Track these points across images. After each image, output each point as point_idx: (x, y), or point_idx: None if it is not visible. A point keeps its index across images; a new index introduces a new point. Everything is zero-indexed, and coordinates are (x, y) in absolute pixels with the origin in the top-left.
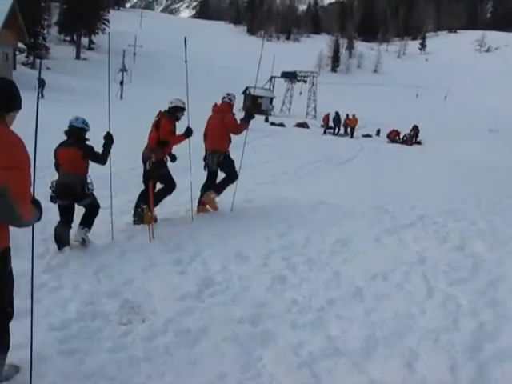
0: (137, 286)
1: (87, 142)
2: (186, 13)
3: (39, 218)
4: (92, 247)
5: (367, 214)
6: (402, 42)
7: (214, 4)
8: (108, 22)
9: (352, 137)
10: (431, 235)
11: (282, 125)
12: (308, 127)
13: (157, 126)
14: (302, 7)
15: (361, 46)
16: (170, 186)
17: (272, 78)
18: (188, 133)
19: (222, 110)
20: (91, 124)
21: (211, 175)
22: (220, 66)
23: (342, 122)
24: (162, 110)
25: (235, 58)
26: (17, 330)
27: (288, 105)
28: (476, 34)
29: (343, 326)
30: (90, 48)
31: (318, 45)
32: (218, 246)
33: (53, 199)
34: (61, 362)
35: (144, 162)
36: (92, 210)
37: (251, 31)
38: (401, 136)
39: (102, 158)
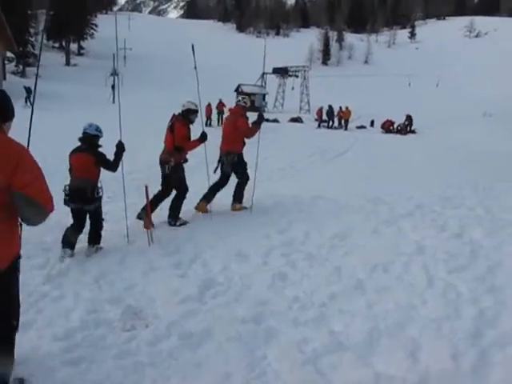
0: (138, 291)
1: (100, 149)
2: (174, 13)
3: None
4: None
5: (364, 206)
6: (392, 31)
7: (201, 3)
8: (96, 26)
9: (346, 129)
10: (429, 224)
11: (276, 121)
12: (302, 122)
13: (171, 129)
14: (290, 2)
15: (350, 38)
16: (183, 190)
17: (264, 74)
18: (203, 138)
19: (235, 112)
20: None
21: (224, 177)
22: (211, 65)
23: (336, 114)
24: (176, 114)
25: (226, 56)
26: (20, 342)
27: (281, 100)
28: (465, 20)
29: (346, 320)
30: (79, 54)
31: (308, 39)
32: (218, 246)
33: (66, 202)
34: (66, 372)
35: (162, 166)
36: (96, 223)
37: (240, 28)
38: (395, 126)
39: (112, 166)
